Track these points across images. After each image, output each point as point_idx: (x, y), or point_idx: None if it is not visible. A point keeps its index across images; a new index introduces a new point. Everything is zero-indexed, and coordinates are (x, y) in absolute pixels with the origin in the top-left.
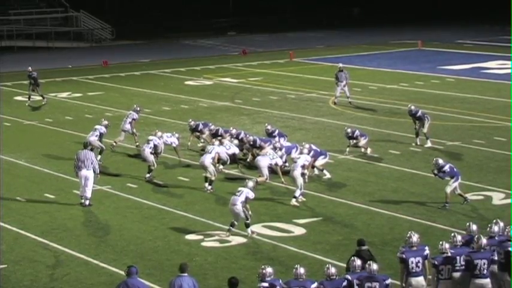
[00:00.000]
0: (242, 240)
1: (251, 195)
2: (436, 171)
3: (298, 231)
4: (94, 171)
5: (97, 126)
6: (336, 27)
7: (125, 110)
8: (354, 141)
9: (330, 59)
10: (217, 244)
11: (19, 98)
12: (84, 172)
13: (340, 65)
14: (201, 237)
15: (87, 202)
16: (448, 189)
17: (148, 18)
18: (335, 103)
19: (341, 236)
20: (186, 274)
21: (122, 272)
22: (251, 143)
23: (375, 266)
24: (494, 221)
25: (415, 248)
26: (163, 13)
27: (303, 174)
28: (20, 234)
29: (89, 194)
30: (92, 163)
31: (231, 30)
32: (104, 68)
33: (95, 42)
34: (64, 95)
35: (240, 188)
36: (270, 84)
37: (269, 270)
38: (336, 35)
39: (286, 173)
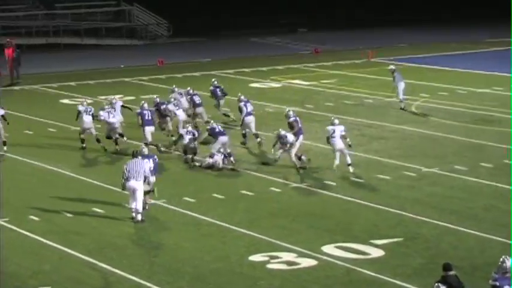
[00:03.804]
0: (312, 262)
1: None
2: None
3: (376, 253)
4: (145, 181)
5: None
6: (423, 23)
7: None
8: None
9: (414, 59)
10: (284, 267)
11: (65, 101)
12: (132, 183)
13: (391, 67)
14: (266, 258)
15: (139, 217)
16: None
17: (209, 13)
18: (403, 108)
19: (424, 259)
20: None
21: None
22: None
23: None
24: None
25: (509, 275)
26: (226, 7)
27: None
28: (65, 252)
29: (140, 207)
30: (143, 173)
31: (302, 27)
32: (159, 68)
33: (150, 40)
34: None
35: None
36: (345, 88)
37: None
38: (421, 32)
39: None
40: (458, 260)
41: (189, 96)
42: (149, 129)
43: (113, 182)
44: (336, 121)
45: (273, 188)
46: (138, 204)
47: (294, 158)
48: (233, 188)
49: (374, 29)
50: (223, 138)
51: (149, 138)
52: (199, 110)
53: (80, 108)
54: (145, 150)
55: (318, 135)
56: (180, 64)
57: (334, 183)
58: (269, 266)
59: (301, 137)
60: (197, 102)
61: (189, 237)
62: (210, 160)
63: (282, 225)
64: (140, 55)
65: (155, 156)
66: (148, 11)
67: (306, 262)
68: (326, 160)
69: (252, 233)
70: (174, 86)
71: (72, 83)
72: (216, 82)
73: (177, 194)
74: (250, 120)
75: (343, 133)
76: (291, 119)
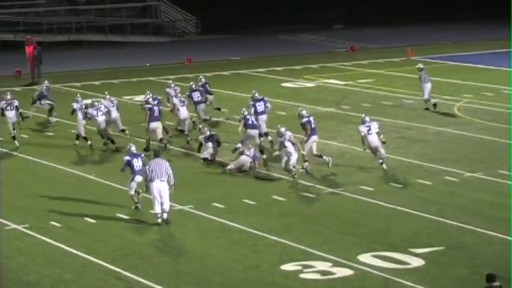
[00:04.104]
0: (348, 272)
1: None
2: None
3: (416, 262)
4: (168, 183)
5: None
6: (466, 20)
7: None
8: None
9: (456, 57)
10: (318, 276)
11: (89, 101)
12: (157, 183)
13: (420, 65)
14: (299, 267)
15: (165, 215)
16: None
17: (239, 9)
18: (428, 108)
19: (467, 269)
20: None
21: None
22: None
23: None
24: None
25: None
26: (257, 3)
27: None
28: (88, 260)
29: (167, 206)
30: (166, 172)
31: (337, 23)
32: (187, 66)
33: (177, 37)
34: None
35: None
36: (384, 87)
37: None
38: (465, 28)
39: None
40: (504, 271)
41: (188, 92)
42: (155, 125)
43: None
44: (367, 118)
45: (306, 194)
46: (165, 203)
47: (291, 166)
48: (264, 193)
49: (414, 26)
50: (251, 132)
51: (152, 134)
52: (200, 107)
53: (75, 106)
54: (133, 148)
55: (355, 138)
56: (209, 62)
57: (371, 189)
58: (302, 275)
59: (313, 137)
60: (196, 99)
61: (218, 244)
62: (238, 160)
63: (316, 232)
64: (167, 53)
65: (142, 155)
66: (176, 6)
67: (341, 272)
68: (362, 164)
69: (284, 241)
70: (170, 82)
71: (96, 82)
72: (203, 79)
73: (204, 199)
74: (263, 119)
75: (378, 130)
76: (304, 120)
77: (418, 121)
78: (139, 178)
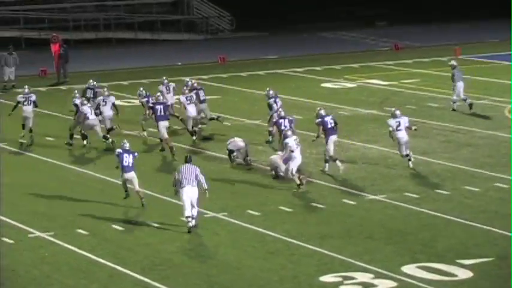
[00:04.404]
0: (391, 284)
1: None
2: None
3: (463, 274)
4: (202, 187)
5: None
6: None
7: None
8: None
9: (507, 56)
10: None
11: (117, 102)
12: (188, 189)
13: (453, 62)
14: (339, 279)
15: (193, 222)
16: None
17: (276, 5)
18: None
19: None
20: None
21: None
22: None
23: None
24: None
25: None
26: None
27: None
28: (115, 270)
29: (195, 211)
30: (196, 178)
31: (380, 20)
32: (220, 65)
33: (211, 34)
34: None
35: None
36: (429, 88)
37: None
38: None
39: None
40: None
41: (194, 91)
42: (163, 124)
43: (169, 193)
44: (398, 112)
45: (346, 200)
46: (194, 209)
47: (290, 173)
48: (302, 199)
49: (462, 23)
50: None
51: (164, 133)
52: (203, 106)
53: (77, 101)
54: (127, 145)
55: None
56: (243, 61)
57: (415, 195)
58: (342, 287)
59: (332, 137)
60: (202, 98)
61: (253, 254)
62: (270, 163)
63: (356, 241)
64: (200, 51)
65: (135, 153)
66: (209, 2)
67: (384, 284)
68: (406, 169)
69: (323, 251)
70: (164, 78)
71: (125, 82)
72: (191, 81)
73: (239, 206)
74: None
75: (408, 124)
76: (317, 120)
77: (465, 124)
78: (128, 175)
